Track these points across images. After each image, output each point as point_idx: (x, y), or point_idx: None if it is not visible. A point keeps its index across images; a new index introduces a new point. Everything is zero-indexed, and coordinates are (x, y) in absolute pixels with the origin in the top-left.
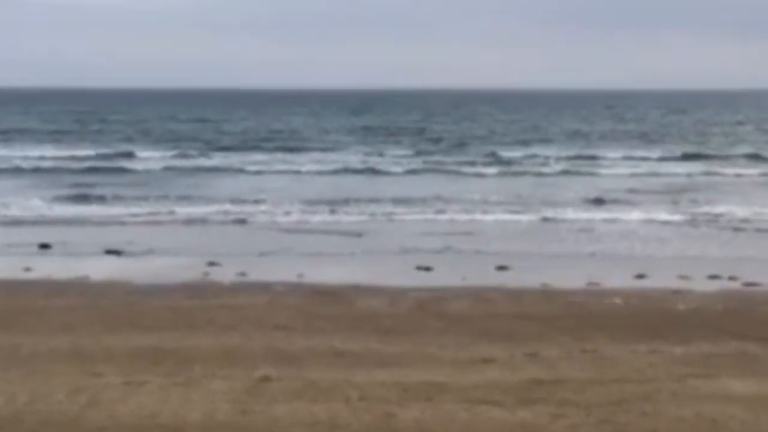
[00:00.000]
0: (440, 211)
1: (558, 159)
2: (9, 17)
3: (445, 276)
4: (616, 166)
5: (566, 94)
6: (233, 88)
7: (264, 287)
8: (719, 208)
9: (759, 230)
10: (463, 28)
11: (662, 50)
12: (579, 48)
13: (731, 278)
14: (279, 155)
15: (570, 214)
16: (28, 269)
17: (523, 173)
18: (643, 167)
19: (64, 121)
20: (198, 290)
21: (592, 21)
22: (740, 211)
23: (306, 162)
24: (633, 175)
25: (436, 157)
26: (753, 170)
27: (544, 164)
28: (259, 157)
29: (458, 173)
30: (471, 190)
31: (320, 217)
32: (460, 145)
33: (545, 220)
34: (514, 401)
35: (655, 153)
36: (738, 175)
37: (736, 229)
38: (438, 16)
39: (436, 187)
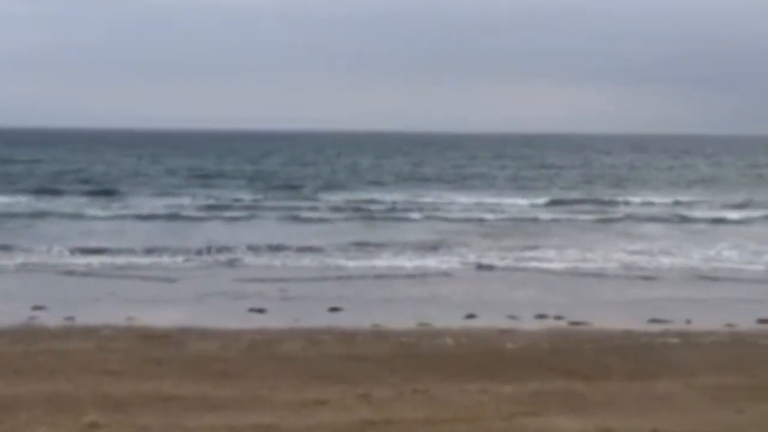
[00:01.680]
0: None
1: (392, 202)
2: None
3: (278, 318)
4: (448, 208)
5: (410, 136)
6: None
7: (92, 331)
8: (550, 252)
9: (583, 273)
10: (320, 75)
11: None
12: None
13: (557, 317)
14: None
15: (403, 257)
16: None
17: (359, 216)
18: (476, 210)
19: None
20: (22, 335)
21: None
22: (572, 254)
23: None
24: (466, 219)
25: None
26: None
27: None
28: (78, 200)
29: (293, 217)
30: (304, 234)
31: (147, 260)
32: (294, 187)
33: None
34: None
35: (489, 194)
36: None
37: (564, 272)
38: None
39: (268, 229)
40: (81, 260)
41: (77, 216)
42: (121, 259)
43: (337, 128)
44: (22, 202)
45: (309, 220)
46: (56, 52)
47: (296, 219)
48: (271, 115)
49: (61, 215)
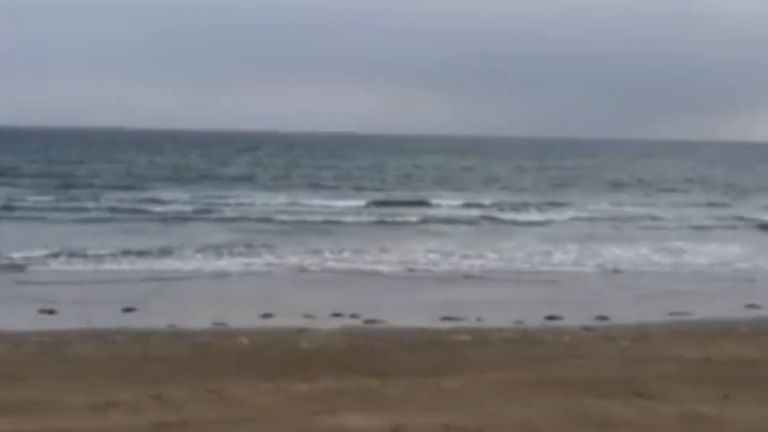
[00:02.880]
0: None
1: (186, 202)
2: None
3: (69, 319)
4: (252, 209)
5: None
6: None
7: None
8: (347, 253)
9: (380, 273)
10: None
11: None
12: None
13: (353, 316)
14: None
15: (200, 258)
16: None
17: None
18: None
19: None
20: None
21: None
22: (372, 255)
23: None
24: (265, 219)
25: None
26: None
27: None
28: None
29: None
30: (96, 234)
31: None
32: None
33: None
34: None
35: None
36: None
37: (361, 272)
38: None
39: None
40: None
41: None
42: None
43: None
44: None
45: (98, 221)
46: None
47: (89, 220)
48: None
49: None
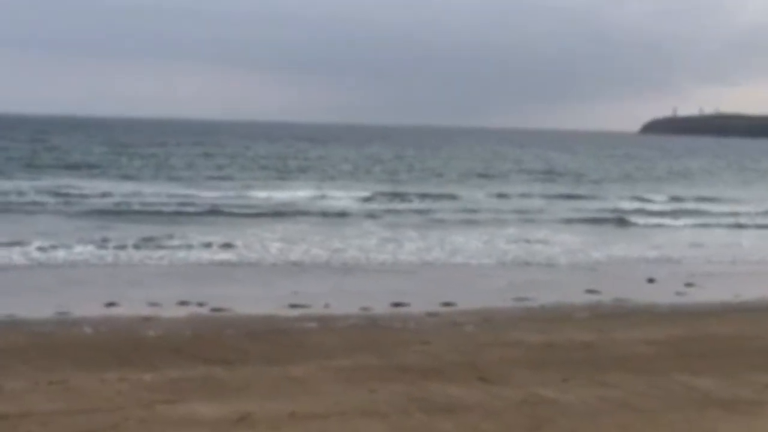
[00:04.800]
0: None
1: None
2: None
3: None
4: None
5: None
6: None
7: None
8: (195, 240)
9: (231, 262)
10: None
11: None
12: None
13: (200, 304)
14: None
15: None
16: None
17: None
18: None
19: None
20: None
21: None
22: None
23: None
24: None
25: None
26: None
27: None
28: None
29: None
30: None
31: None
32: None
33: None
34: None
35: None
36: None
37: (211, 261)
38: None
39: None
40: None
41: None
42: None
43: None
44: None
45: None
46: None
47: None
48: None
49: None
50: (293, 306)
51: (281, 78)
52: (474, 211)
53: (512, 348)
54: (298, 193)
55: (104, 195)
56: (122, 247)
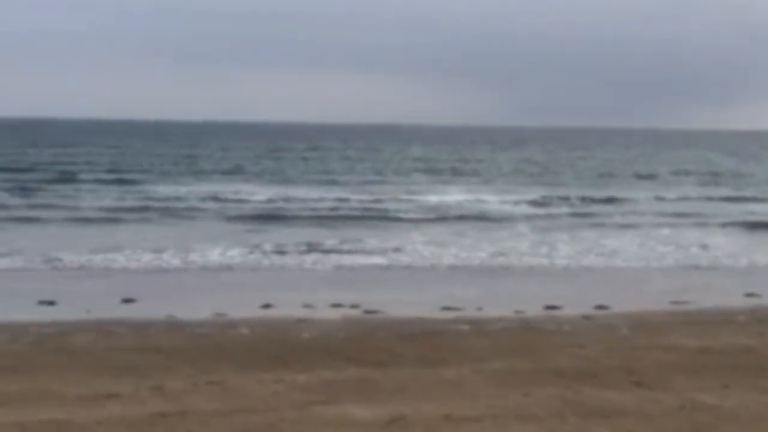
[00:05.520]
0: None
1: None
2: None
3: (69, 310)
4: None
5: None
6: None
7: None
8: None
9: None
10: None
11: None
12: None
13: (353, 306)
14: None
15: (201, 249)
16: None
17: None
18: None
19: None
20: None
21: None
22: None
23: None
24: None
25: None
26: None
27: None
28: None
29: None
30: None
31: None
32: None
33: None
34: None
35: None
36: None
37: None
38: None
39: None
40: None
41: None
42: None
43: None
44: None
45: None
46: None
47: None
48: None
49: None
50: (446, 309)
51: (418, 81)
52: (632, 213)
53: (669, 352)
54: (454, 196)
55: (260, 199)
56: (277, 250)
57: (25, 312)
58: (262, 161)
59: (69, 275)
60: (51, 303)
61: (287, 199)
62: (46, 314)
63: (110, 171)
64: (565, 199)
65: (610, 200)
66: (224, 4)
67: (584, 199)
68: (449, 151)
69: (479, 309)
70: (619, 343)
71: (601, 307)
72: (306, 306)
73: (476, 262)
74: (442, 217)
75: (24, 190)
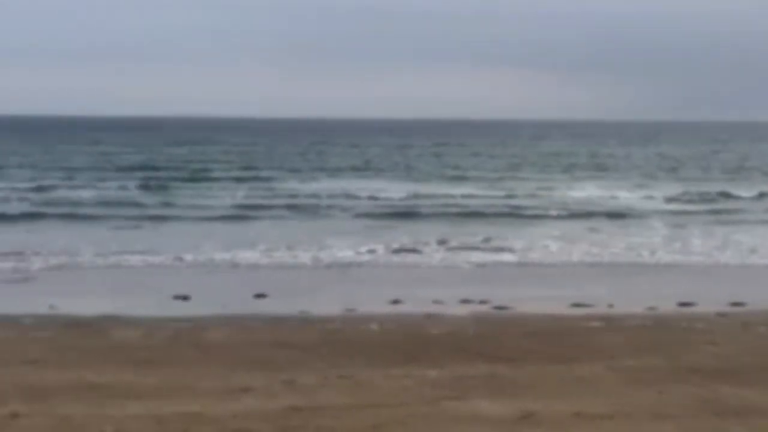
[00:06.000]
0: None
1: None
2: None
3: (203, 305)
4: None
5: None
6: None
7: (12, 320)
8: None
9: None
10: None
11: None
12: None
13: (482, 302)
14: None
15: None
16: None
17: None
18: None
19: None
20: None
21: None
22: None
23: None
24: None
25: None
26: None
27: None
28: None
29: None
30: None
31: None
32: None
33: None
34: (271, 429)
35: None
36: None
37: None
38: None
39: None
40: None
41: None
42: None
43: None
44: None
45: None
46: None
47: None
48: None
49: None
50: (576, 305)
51: (558, 77)
52: None
53: None
54: (586, 192)
55: (392, 196)
56: (407, 247)
57: (160, 307)
58: (392, 157)
59: (203, 271)
60: (185, 298)
61: (418, 196)
62: (181, 309)
63: (244, 168)
64: (701, 195)
65: (747, 196)
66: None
67: (720, 194)
68: (582, 147)
69: (610, 306)
70: (756, 341)
71: (736, 304)
72: (435, 302)
73: (607, 258)
74: (573, 213)
75: (159, 189)
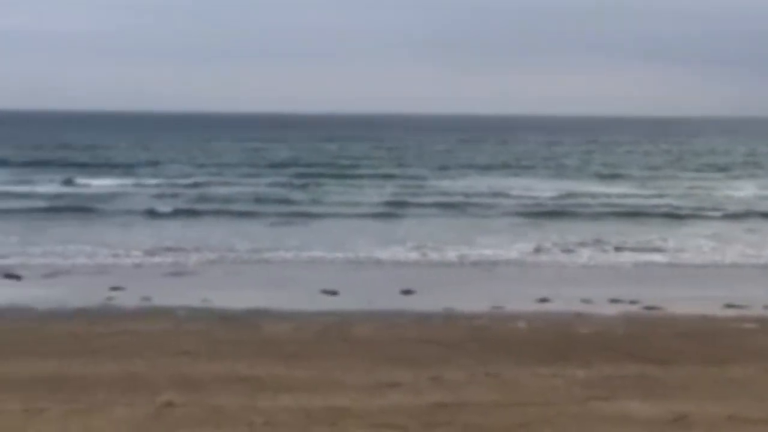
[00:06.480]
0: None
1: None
2: None
3: (351, 300)
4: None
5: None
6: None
7: (168, 312)
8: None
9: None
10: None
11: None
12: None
13: (632, 302)
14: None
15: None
16: None
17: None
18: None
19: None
20: (101, 315)
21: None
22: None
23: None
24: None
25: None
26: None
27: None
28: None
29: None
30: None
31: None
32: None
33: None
34: (418, 425)
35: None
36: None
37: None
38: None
39: None
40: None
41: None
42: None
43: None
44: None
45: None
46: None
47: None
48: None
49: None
50: (729, 306)
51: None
52: None
53: None
54: (744, 192)
55: (541, 195)
56: (556, 245)
57: (310, 302)
58: (541, 153)
59: (351, 267)
60: (334, 293)
61: (569, 195)
62: (330, 304)
63: (394, 165)
64: None
65: None
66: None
67: None
68: (738, 144)
69: (766, 307)
70: None
71: None
72: (584, 301)
73: (764, 260)
74: (729, 213)
75: (310, 185)
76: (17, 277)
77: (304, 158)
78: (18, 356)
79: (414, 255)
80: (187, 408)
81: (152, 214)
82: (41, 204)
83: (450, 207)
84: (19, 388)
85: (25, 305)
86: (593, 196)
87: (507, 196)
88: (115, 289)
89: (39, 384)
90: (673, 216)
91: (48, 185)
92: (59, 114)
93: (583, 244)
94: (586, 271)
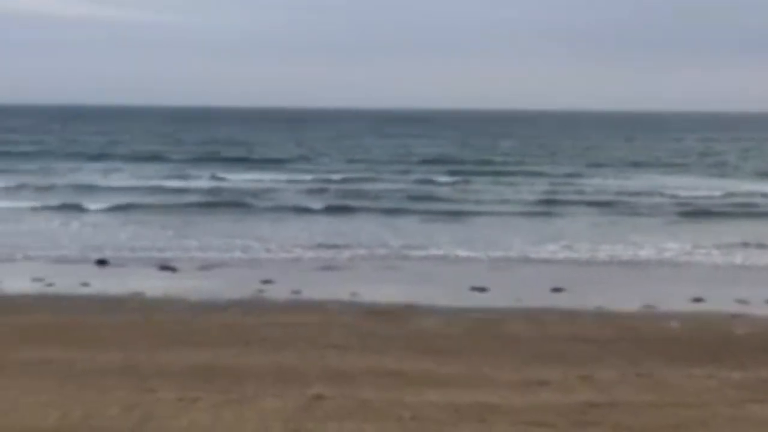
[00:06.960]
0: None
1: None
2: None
3: (500, 297)
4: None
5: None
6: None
7: (318, 306)
8: None
9: None
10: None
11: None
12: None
13: None
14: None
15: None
16: (84, 284)
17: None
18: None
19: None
20: (252, 307)
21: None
22: None
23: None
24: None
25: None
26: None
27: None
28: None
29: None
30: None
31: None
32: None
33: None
34: (567, 424)
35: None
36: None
37: None
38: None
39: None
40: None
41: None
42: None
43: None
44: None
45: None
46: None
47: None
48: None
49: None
50: None
51: None
52: None
53: None
54: None
55: (697, 195)
56: (710, 245)
57: (458, 298)
58: (697, 150)
59: (500, 264)
60: (482, 290)
61: (728, 194)
62: (478, 301)
63: (548, 163)
64: None
65: None
66: None
67: None
68: None
69: None
70: None
71: None
72: (739, 301)
73: None
74: None
75: (463, 182)
76: (173, 269)
77: (454, 155)
78: (173, 346)
79: (565, 253)
80: (336, 401)
81: (304, 210)
82: (195, 199)
83: (602, 205)
84: (174, 377)
85: (179, 297)
86: (753, 194)
87: (663, 195)
88: (266, 282)
89: (193, 374)
90: None
91: (199, 180)
92: (219, 110)
93: (740, 245)
94: (743, 272)
